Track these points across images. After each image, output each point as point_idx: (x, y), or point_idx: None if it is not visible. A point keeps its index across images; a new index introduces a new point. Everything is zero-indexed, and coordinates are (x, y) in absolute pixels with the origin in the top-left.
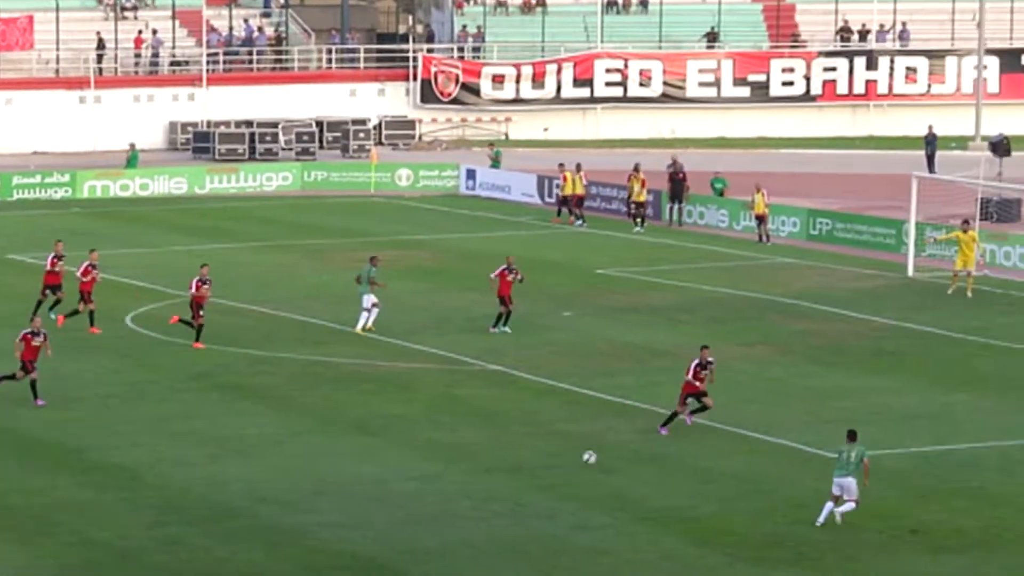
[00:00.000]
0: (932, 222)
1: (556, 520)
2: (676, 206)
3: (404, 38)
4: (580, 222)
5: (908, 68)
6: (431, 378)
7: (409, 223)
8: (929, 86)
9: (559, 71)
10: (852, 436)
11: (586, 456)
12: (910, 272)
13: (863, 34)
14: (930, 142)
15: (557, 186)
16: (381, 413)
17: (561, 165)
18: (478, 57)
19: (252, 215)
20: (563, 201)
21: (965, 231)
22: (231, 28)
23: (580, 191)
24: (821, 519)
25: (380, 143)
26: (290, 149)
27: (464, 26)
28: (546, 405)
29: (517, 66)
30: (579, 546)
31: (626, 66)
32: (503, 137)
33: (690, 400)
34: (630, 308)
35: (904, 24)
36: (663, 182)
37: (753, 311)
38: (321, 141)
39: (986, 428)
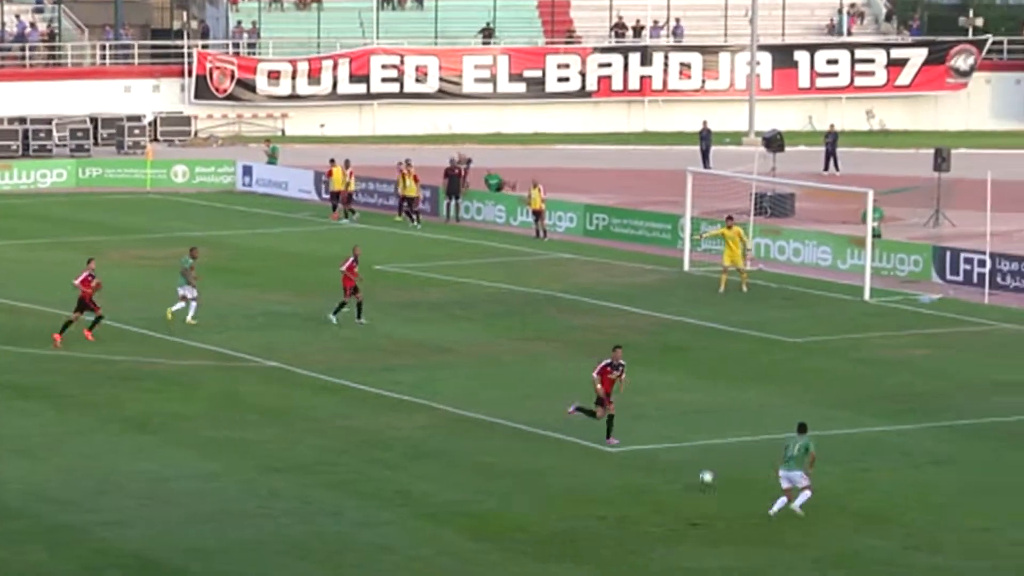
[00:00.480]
0: (708, 217)
1: (341, 517)
2: (453, 202)
3: (179, 34)
4: (350, 217)
5: (682, 64)
6: (210, 375)
7: (185, 219)
8: (703, 82)
9: (335, 67)
10: (802, 428)
11: (707, 477)
12: (686, 267)
13: (637, 30)
14: (704, 137)
15: (324, 181)
16: (162, 411)
17: (332, 161)
18: (253, 53)
19: (27, 212)
20: (336, 196)
21: (729, 227)
22: (3, 24)
23: (351, 187)
24: (774, 510)
25: (155, 139)
26: (64, 146)
27: (239, 22)
28: (325, 401)
29: (293, 62)
30: (363, 543)
31: (402, 62)
32: (280, 133)
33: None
34: (409, 304)
35: (678, 20)
36: (440, 178)
37: (532, 306)
38: (96, 138)
39: (766, 421)
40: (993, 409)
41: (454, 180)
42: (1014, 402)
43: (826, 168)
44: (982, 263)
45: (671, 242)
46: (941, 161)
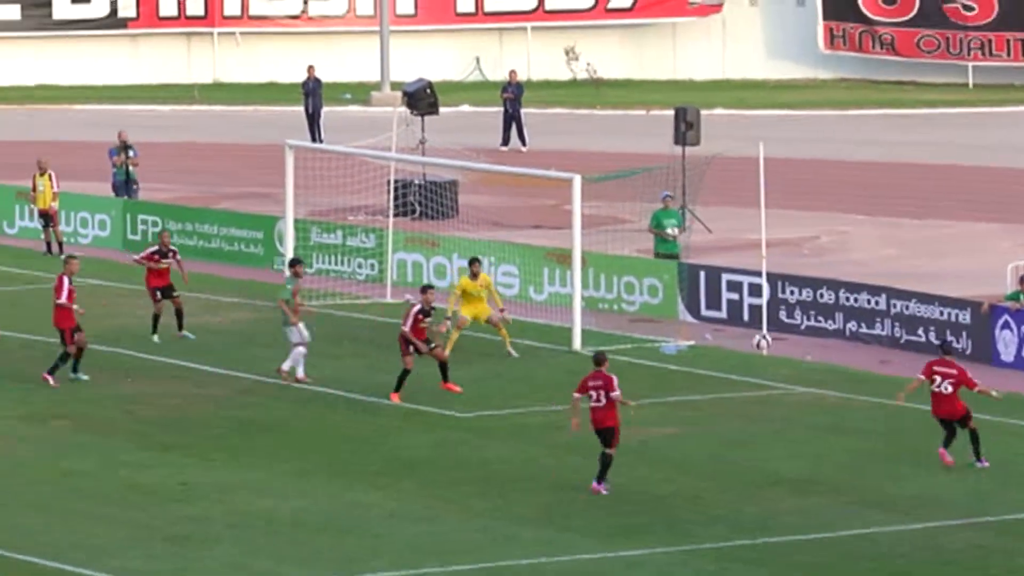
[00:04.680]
0: (322, 219)
1: None
2: None
3: None
4: None
5: None
6: None
7: None
8: (305, 3)
9: None
10: None
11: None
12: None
13: None
14: (311, 92)
15: None
16: None
17: None
18: None
19: None
20: None
21: (475, 275)
22: None
23: None
24: None
25: None
26: None
27: None
28: None
29: None
30: None
31: None
32: None
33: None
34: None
35: None
36: None
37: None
38: None
39: (417, 544)
40: (777, 522)
41: None
42: (807, 509)
43: (506, 140)
44: (756, 290)
45: (264, 260)
46: (686, 129)
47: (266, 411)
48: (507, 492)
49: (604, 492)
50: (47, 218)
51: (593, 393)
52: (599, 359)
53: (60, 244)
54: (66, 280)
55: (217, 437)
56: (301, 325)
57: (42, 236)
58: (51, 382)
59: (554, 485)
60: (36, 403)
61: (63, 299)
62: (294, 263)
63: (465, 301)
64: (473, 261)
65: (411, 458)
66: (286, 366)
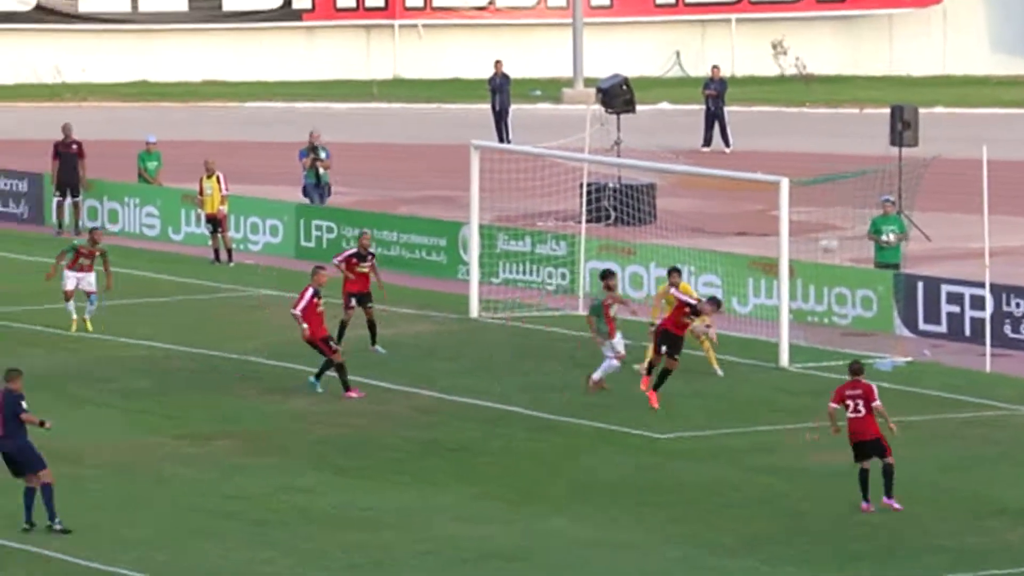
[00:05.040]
0: (510, 225)
1: None
2: (69, 199)
3: None
4: None
5: None
6: None
7: None
8: None
9: None
10: None
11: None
12: (474, 312)
13: None
14: (498, 89)
15: None
16: None
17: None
18: None
19: None
20: None
21: (674, 283)
22: None
23: None
24: None
25: None
26: None
27: None
28: None
29: None
30: None
31: None
32: None
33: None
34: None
35: None
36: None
37: (205, 379)
38: None
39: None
40: (1001, 555)
41: (68, 161)
42: None
43: (708, 140)
44: (978, 302)
45: (448, 269)
46: (903, 128)
47: (449, 431)
48: (708, 518)
49: (896, 507)
50: (215, 223)
51: (851, 403)
52: (857, 368)
53: (229, 251)
54: (310, 291)
55: (397, 459)
56: (618, 336)
57: (209, 242)
58: (354, 396)
59: (758, 511)
60: (196, 421)
61: (296, 310)
62: (605, 275)
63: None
64: (672, 271)
65: (604, 481)
66: (596, 376)
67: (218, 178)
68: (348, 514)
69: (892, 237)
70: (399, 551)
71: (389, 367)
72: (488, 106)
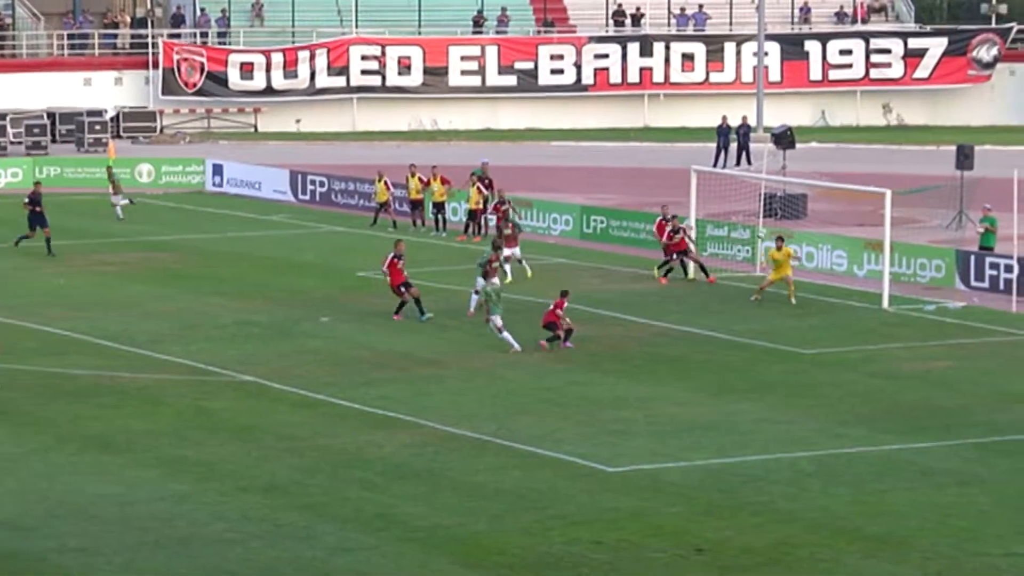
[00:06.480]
0: (715, 219)
1: (315, 541)
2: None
3: (142, 22)
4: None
5: (685, 55)
6: (178, 390)
7: (151, 223)
8: (708, 74)
9: (312, 58)
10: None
11: None
12: (690, 273)
13: (636, 18)
14: (724, 133)
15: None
16: (125, 428)
17: (412, 166)
18: (223, 44)
19: None
20: (415, 206)
21: (779, 248)
22: None
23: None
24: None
25: (118, 136)
26: (20, 143)
27: (203, 9)
28: (303, 418)
29: (267, 53)
30: (340, 569)
31: (383, 53)
32: (252, 129)
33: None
34: (393, 313)
35: (700, 7)
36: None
37: (525, 315)
38: (54, 134)
39: (773, 438)
40: (1020, 425)
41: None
42: None
43: (738, 162)
44: (1009, 268)
45: None
46: (964, 158)
47: (672, 348)
48: (835, 405)
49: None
50: (438, 207)
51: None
52: None
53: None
54: (391, 255)
55: (639, 365)
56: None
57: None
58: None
59: (869, 400)
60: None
61: (384, 267)
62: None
63: (775, 269)
64: (778, 238)
65: (768, 381)
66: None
67: (420, 178)
68: (608, 398)
69: (982, 228)
70: (637, 423)
71: (636, 308)
72: (706, 144)
